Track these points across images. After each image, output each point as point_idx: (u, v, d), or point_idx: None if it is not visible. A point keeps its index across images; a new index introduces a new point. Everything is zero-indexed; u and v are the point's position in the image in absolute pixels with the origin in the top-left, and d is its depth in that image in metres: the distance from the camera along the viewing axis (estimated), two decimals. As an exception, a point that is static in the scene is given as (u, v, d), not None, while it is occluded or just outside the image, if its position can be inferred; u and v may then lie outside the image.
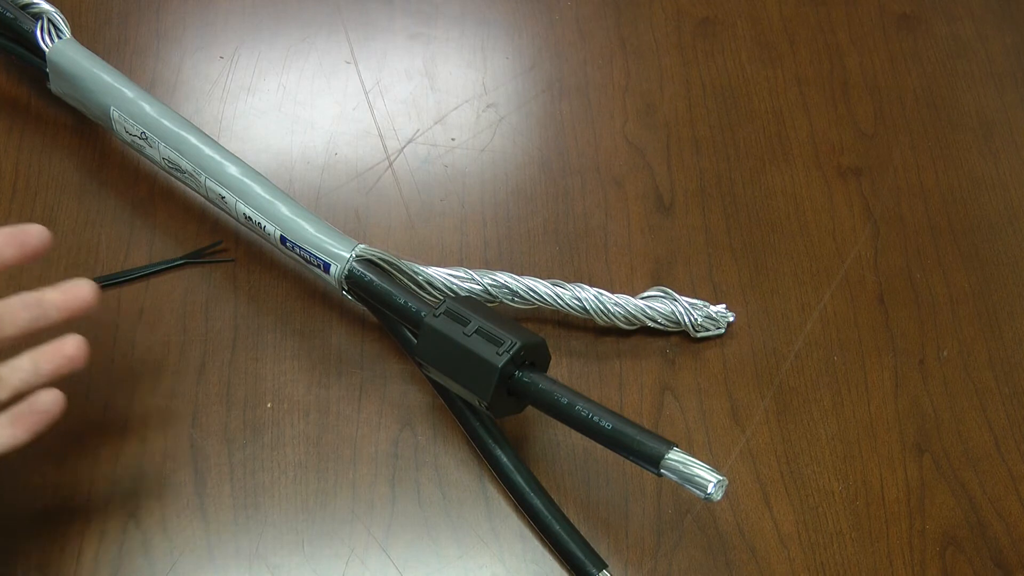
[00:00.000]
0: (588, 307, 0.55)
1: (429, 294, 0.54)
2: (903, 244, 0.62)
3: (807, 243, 0.62)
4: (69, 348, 0.45)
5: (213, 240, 0.58)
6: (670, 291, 0.57)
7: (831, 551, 0.52)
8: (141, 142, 0.56)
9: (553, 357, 0.52)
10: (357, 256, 0.52)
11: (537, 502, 0.50)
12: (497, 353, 0.47)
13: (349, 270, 0.52)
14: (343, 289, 0.53)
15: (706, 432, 0.55)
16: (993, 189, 0.65)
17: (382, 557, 0.50)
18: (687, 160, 0.64)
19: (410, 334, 0.53)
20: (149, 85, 0.63)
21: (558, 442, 0.54)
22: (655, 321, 0.56)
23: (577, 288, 0.56)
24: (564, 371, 0.56)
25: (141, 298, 0.56)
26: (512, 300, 0.55)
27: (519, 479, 0.51)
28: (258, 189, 0.54)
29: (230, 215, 0.55)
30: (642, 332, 0.57)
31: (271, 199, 0.53)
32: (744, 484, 0.53)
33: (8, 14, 0.57)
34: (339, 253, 0.52)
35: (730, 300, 0.59)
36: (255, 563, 0.50)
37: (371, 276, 0.52)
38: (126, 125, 0.56)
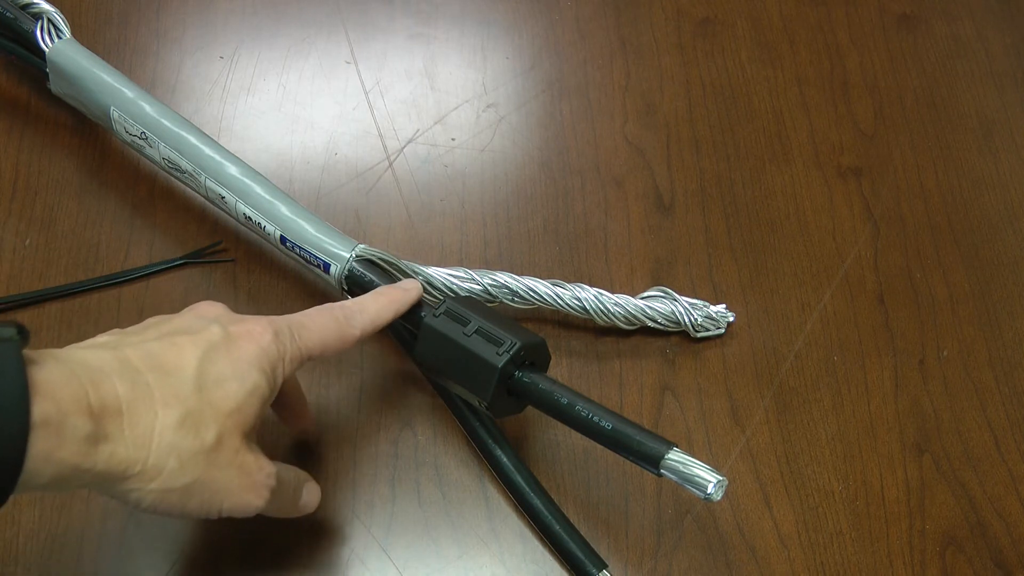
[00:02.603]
0: (588, 307, 0.55)
1: (429, 294, 0.54)
2: (903, 244, 0.62)
3: (807, 243, 0.62)
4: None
5: (213, 240, 0.58)
6: (670, 291, 0.57)
7: (831, 551, 0.52)
8: (141, 142, 0.56)
9: (553, 357, 0.52)
10: (357, 256, 0.52)
11: (537, 502, 0.50)
12: (497, 353, 0.47)
13: (349, 270, 0.52)
14: (343, 289, 0.53)
15: (706, 432, 0.55)
16: (993, 189, 0.65)
17: (382, 557, 0.50)
18: (687, 160, 0.64)
19: (410, 334, 0.53)
20: (149, 85, 0.63)
21: (558, 442, 0.54)
22: (655, 321, 0.56)
23: (577, 288, 0.56)
24: (564, 371, 0.56)
25: (141, 298, 0.56)
26: (512, 300, 0.55)
27: (519, 479, 0.51)
28: (258, 189, 0.54)
29: (230, 215, 0.55)
30: (642, 332, 0.57)
31: (271, 199, 0.53)
32: (744, 484, 0.53)
33: (8, 14, 0.57)
34: (339, 253, 0.52)
35: (730, 300, 0.59)
36: (255, 563, 0.49)
37: (371, 276, 0.52)
38: (126, 125, 0.56)
